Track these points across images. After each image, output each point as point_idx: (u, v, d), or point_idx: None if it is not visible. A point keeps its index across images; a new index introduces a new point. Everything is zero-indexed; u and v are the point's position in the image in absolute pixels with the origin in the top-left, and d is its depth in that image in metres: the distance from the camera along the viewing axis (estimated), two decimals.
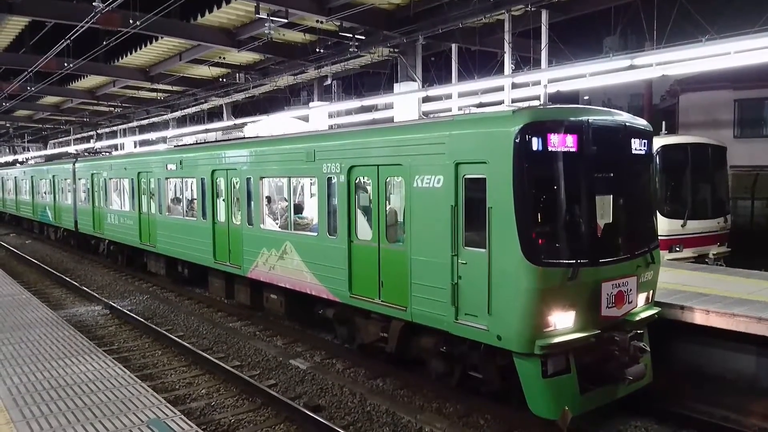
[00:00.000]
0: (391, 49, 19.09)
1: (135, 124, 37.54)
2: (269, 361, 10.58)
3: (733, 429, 7.52)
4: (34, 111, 41.53)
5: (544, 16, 15.43)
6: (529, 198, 7.03)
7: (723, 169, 14.81)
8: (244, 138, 15.58)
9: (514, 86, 16.29)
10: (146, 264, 18.21)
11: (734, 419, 7.85)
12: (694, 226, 13.66)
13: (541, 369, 7.00)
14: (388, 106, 21.83)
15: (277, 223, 12.23)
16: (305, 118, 22.22)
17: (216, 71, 26.20)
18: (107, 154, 26.90)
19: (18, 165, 40.47)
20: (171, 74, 27.49)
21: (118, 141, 39.25)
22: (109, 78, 29.05)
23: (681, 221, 13.47)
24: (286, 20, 17.07)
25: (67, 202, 24.36)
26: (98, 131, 43.10)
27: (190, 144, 20.91)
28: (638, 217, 8.23)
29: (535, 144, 6.96)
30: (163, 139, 32.13)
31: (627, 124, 8.04)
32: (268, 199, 12.65)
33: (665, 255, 12.60)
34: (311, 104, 24.34)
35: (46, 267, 20.55)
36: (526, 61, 17.21)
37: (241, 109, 31.58)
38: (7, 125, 48.97)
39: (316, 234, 10.53)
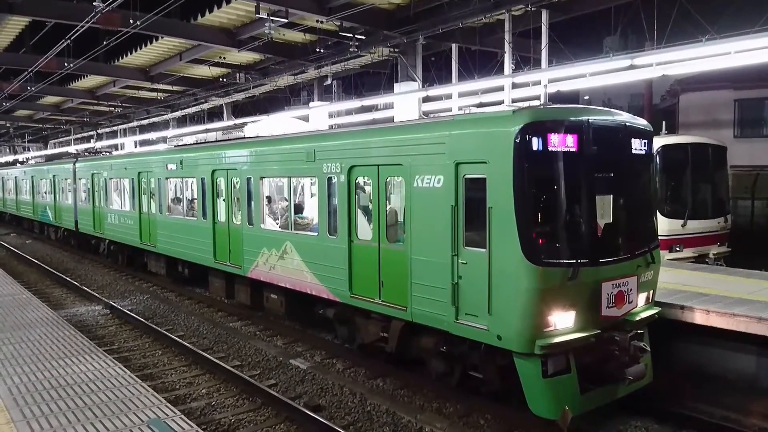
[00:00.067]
0: (392, 49, 19.08)
1: (135, 124, 37.55)
2: (269, 361, 10.58)
3: (734, 429, 7.52)
4: (35, 111, 41.54)
5: (545, 16, 15.43)
6: (529, 198, 7.03)
7: (723, 169, 14.80)
8: (245, 138, 15.58)
9: (515, 86, 16.29)
10: (146, 264, 18.22)
11: (734, 419, 7.85)
12: (695, 226, 13.66)
13: (542, 369, 7.00)
14: (388, 106, 21.83)
15: (277, 223, 12.23)
16: (305, 118, 22.22)
17: (216, 71, 26.20)
18: (107, 153, 26.90)
19: (18, 165, 40.47)
20: (171, 74, 27.50)
21: (118, 141, 39.26)
22: (110, 78, 29.06)
23: (681, 221, 13.47)
24: (286, 20, 17.07)
25: (68, 202, 24.37)
26: (98, 131, 43.11)
27: (191, 144, 20.93)
28: (638, 216, 8.23)
29: (536, 144, 6.96)
30: (164, 139, 32.13)
31: (627, 124, 8.04)
32: (269, 198, 12.66)
33: (665, 255, 12.60)
34: (311, 104, 24.33)
35: (46, 267, 20.56)
36: (526, 61, 17.22)
37: (241, 109, 31.59)
38: (8, 125, 48.98)
39: (316, 234, 10.54)
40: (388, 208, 9.04)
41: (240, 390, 9.14)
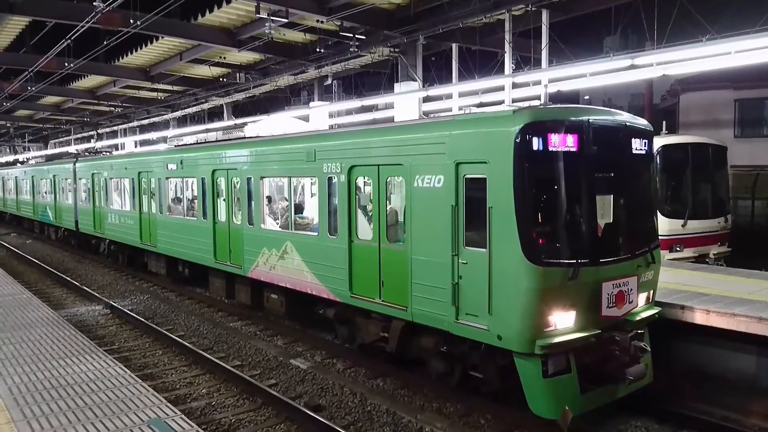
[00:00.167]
0: (392, 49, 19.08)
1: (135, 123, 37.54)
2: (270, 361, 10.58)
3: (734, 429, 7.52)
4: (35, 111, 41.54)
5: (545, 15, 15.42)
6: (529, 198, 7.03)
7: (723, 169, 14.80)
8: (245, 138, 15.59)
9: (515, 86, 16.29)
10: (147, 264, 18.22)
11: (734, 419, 7.86)
12: (695, 225, 13.66)
13: (542, 369, 7.00)
14: (389, 106, 21.83)
15: (277, 223, 12.24)
16: (306, 118, 22.22)
17: (216, 71, 26.20)
18: (108, 153, 26.90)
19: (19, 165, 40.48)
20: (171, 74, 27.49)
21: (118, 141, 39.26)
22: (110, 78, 29.06)
23: (681, 221, 13.47)
24: (286, 20, 17.07)
25: (68, 202, 24.38)
26: (99, 131, 43.10)
27: (191, 144, 20.91)
28: (639, 216, 8.23)
29: (536, 144, 6.96)
30: (164, 139, 32.12)
31: (627, 123, 8.04)
32: (269, 198, 12.66)
33: (666, 255, 12.59)
34: (312, 104, 24.33)
35: (46, 267, 20.56)
36: (526, 60, 17.21)
37: (241, 109, 31.58)
38: (8, 125, 48.98)
39: (316, 234, 10.54)
40: (388, 208, 9.04)
41: (240, 390, 9.14)
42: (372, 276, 9.14)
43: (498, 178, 7.11)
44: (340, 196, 9.70)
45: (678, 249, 13.40)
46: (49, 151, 50.21)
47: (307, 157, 10.51)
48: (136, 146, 36.14)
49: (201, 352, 10.68)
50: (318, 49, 20.02)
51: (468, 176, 7.53)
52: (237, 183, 12.75)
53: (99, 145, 38.45)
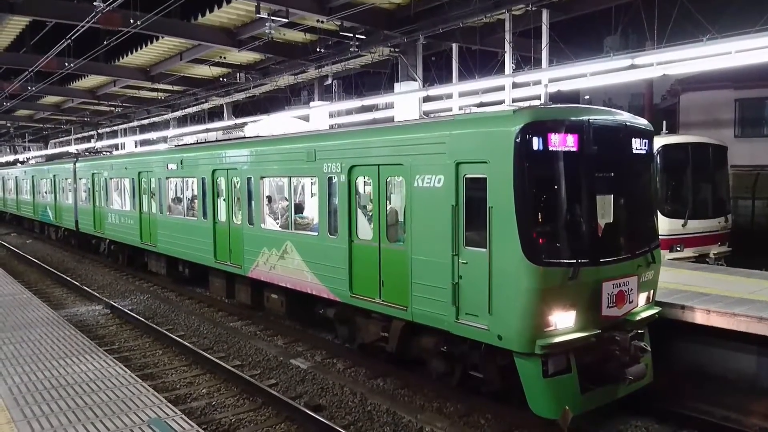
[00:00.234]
0: (392, 49, 19.07)
1: (135, 123, 37.54)
2: (270, 361, 10.58)
3: (734, 429, 7.52)
4: (35, 111, 41.55)
5: (545, 15, 15.42)
6: (529, 198, 7.03)
7: (724, 169, 14.80)
8: (245, 138, 15.58)
9: (515, 86, 16.28)
10: (147, 264, 18.22)
11: (735, 419, 7.85)
12: (695, 225, 13.66)
13: (542, 369, 7.00)
14: (389, 106, 21.82)
15: (277, 223, 12.24)
16: (306, 118, 22.21)
17: (216, 71, 26.20)
18: (108, 153, 26.90)
19: (19, 165, 40.49)
20: (171, 74, 27.50)
21: (118, 141, 39.26)
22: (110, 78, 29.06)
23: (682, 221, 13.47)
24: (286, 20, 17.06)
25: (68, 202, 24.38)
26: (99, 131, 43.10)
27: (191, 144, 20.90)
28: (639, 216, 8.23)
29: (536, 144, 6.96)
30: (164, 139, 32.12)
31: (628, 123, 8.04)
32: (269, 198, 12.66)
33: (666, 254, 12.59)
34: (312, 104, 24.34)
35: (46, 267, 20.56)
36: (526, 60, 17.20)
37: (241, 109, 31.58)
38: (8, 125, 48.98)
39: (316, 234, 10.54)
40: (388, 208, 9.04)
41: (240, 390, 9.14)
42: (372, 276, 9.14)
43: (498, 177, 7.11)
44: (341, 196, 9.70)
45: (678, 249, 13.39)
46: (50, 151, 50.21)
47: (307, 156, 10.51)
48: (136, 146, 36.13)
49: (201, 351, 10.68)
50: (318, 49, 20.02)
51: (468, 176, 7.52)
52: (237, 183, 12.75)
53: (99, 144, 38.44)
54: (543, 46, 15.52)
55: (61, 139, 52.31)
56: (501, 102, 16.93)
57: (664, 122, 14.98)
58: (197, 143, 18.98)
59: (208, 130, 29.30)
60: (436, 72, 20.94)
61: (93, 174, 21.41)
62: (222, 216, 13.51)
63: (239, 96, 27.83)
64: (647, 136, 8.26)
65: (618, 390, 7.61)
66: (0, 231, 34.62)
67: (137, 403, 6.65)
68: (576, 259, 7.07)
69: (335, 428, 7.47)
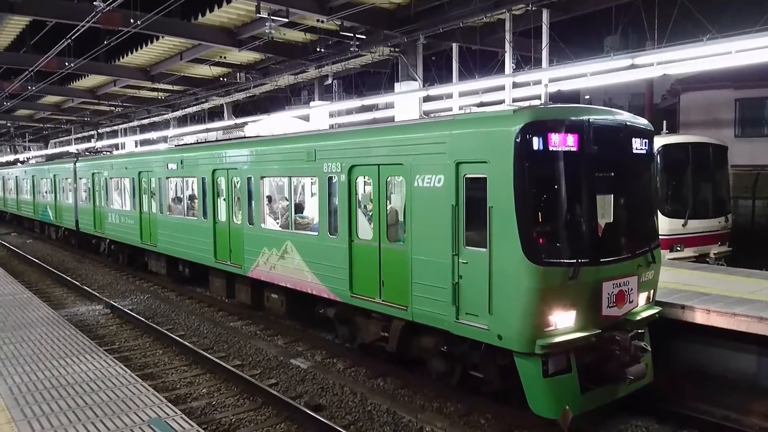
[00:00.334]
0: (392, 49, 19.07)
1: (136, 123, 37.54)
2: (270, 361, 10.58)
3: (734, 429, 7.52)
4: (35, 110, 41.55)
5: (545, 15, 15.41)
6: (529, 197, 7.03)
7: (724, 169, 14.80)
8: (245, 137, 15.57)
9: (515, 86, 16.28)
10: (147, 263, 18.22)
11: (735, 419, 7.85)
12: (695, 225, 13.66)
13: (542, 368, 7.00)
14: (389, 106, 21.82)
15: (277, 223, 12.24)
16: (306, 118, 22.20)
17: (217, 71, 26.20)
18: (108, 153, 26.91)
19: (19, 164, 40.49)
20: (172, 74, 27.49)
21: (118, 140, 39.26)
22: (110, 77, 29.07)
23: (682, 221, 13.47)
24: (286, 20, 17.06)
25: (68, 202, 24.38)
26: (99, 131, 43.11)
27: (191, 143, 20.91)
28: (639, 216, 8.23)
29: (536, 143, 6.95)
30: (164, 139, 32.12)
31: (628, 123, 8.03)
32: (269, 198, 12.66)
33: (666, 254, 12.59)
34: (312, 104, 24.33)
35: (47, 266, 20.56)
36: (526, 60, 17.20)
37: (241, 109, 31.58)
38: (8, 125, 48.96)
39: (316, 233, 10.54)
40: (388, 208, 9.04)
41: (240, 389, 9.14)
42: (372, 276, 9.14)
43: (498, 177, 7.11)
44: (341, 196, 9.70)
45: (678, 248, 13.39)
46: (50, 151, 50.21)
47: (307, 156, 10.51)
48: (136, 146, 36.12)
49: (201, 351, 10.68)
50: (318, 49, 20.02)
51: (468, 176, 7.52)
52: (237, 182, 12.75)
53: (99, 144, 38.44)
54: (543, 45, 15.51)
55: (61, 139, 52.32)
56: (501, 102, 16.93)
57: (665, 122, 14.97)
58: (197, 143, 18.96)
59: (208, 130, 29.27)
60: (436, 72, 20.94)
61: (93, 174, 21.42)
62: (222, 216, 13.51)
63: (239, 96, 27.83)
64: (647, 135, 8.26)
65: (618, 390, 7.61)
66: (0, 231, 34.62)
67: (137, 402, 6.65)
68: (576, 259, 7.06)
69: (335, 428, 7.47)
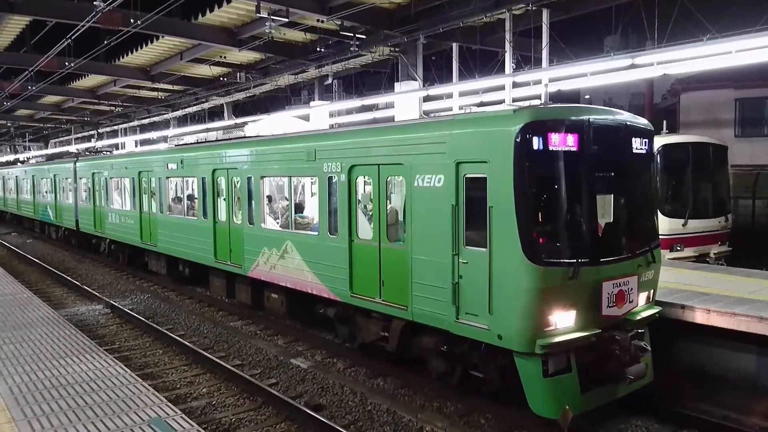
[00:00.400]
0: (392, 49, 19.07)
1: (136, 123, 37.55)
2: (270, 360, 10.58)
3: (734, 428, 7.52)
4: (35, 110, 41.55)
5: (545, 15, 15.41)
6: (530, 197, 7.03)
7: (724, 169, 14.80)
8: (245, 137, 15.56)
9: (515, 85, 16.28)
10: (147, 263, 18.23)
11: (735, 419, 7.85)
12: (695, 225, 13.66)
13: (542, 368, 7.00)
14: (389, 106, 21.82)
15: (277, 223, 12.24)
16: (306, 118, 22.19)
17: (217, 70, 26.20)
18: (108, 153, 26.90)
19: (19, 164, 40.49)
20: (172, 73, 27.49)
21: (119, 140, 39.26)
22: (110, 77, 29.07)
23: (682, 220, 13.47)
24: (286, 19, 17.06)
25: (68, 202, 24.38)
26: (99, 130, 43.11)
27: (191, 143, 20.91)
28: (639, 216, 8.23)
29: (536, 143, 6.95)
30: (164, 139, 32.11)
31: (628, 123, 8.03)
32: (269, 198, 12.66)
33: (666, 254, 12.59)
34: (312, 103, 24.32)
35: (47, 266, 20.57)
36: (527, 60, 17.20)
37: (241, 109, 31.58)
38: (8, 124, 48.96)
39: (316, 233, 10.54)
40: (388, 208, 9.04)
41: (240, 389, 9.14)
42: (372, 275, 9.14)
43: (498, 177, 7.11)
44: (341, 196, 9.70)
45: (678, 248, 13.39)
46: (50, 151, 50.21)
47: (307, 156, 10.51)
48: (136, 146, 36.12)
49: (201, 351, 10.68)
50: (318, 49, 20.02)
51: (468, 176, 7.52)
52: (237, 182, 12.75)
53: (99, 144, 38.45)
54: (543, 45, 15.51)
55: (61, 139, 52.33)
56: (501, 102, 16.93)
57: (665, 122, 14.97)
58: (197, 143, 18.98)
59: (208, 130, 29.26)
60: (436, 72, 20.94)
61: (93, 173, 21.42)
62: (222, 216, 13.51)
63: (239, 96, 27.83)
64: (647, 135, 8.26)
65: (618, 389, 7.61)
66: (0, 231, 34.63)
67: (137, 402, 6.66)
68: (576, 259, 7.07)
69: (335, 428, 7.47)
